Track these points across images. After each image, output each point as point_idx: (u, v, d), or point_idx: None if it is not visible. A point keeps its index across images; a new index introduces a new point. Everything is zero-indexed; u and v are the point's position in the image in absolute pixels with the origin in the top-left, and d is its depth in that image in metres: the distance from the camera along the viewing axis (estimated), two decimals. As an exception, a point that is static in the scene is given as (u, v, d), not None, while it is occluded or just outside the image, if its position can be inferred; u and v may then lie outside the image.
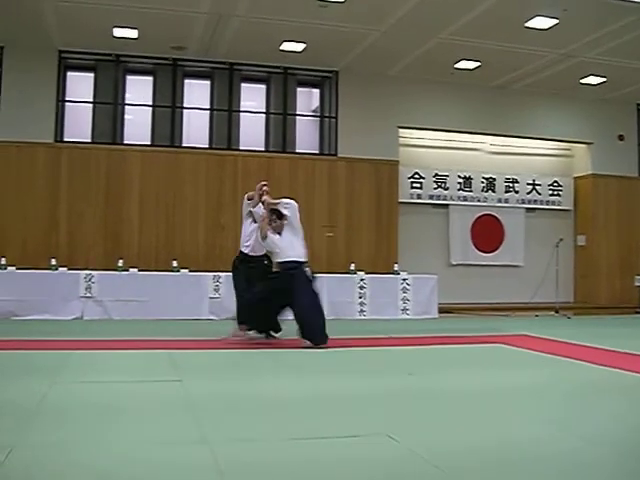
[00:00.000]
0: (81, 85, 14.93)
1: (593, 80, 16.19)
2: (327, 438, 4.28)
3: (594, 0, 11.68)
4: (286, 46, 14.16)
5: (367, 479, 3.57)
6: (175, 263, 13.03)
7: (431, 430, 4.55)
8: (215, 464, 3.71)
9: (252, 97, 15.86)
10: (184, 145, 15.14)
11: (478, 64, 15.04)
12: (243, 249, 9.47)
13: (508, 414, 5.11)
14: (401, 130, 16.24)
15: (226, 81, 15.42)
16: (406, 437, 4.27)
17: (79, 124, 14.74)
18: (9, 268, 12.14)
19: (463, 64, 15.09)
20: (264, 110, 15.83)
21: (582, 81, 16.27)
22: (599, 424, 4.76)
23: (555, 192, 18.10)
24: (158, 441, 4.14)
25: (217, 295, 12.73)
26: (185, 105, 15.30)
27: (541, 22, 12.68)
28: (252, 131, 15.56)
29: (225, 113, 15.41)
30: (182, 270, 12.94)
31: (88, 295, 12.17)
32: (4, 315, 11.53)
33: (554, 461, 3.87)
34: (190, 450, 3.97)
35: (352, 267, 13.74)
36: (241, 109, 15.60)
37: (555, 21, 12.59)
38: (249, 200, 9.49)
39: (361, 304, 13.38)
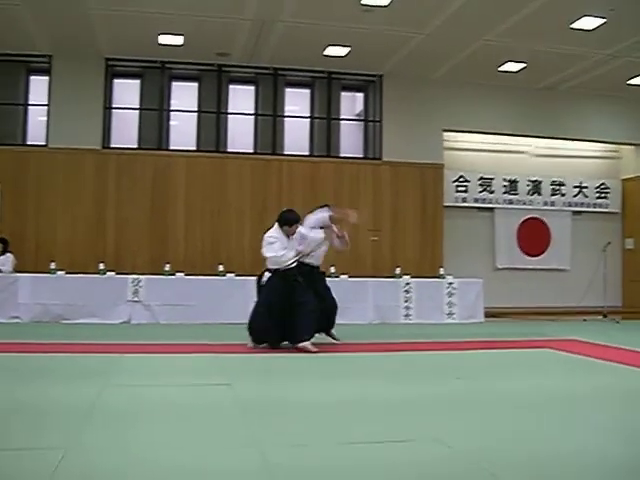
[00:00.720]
0: (127, 92, 15.11)
1: (640, 81, 15.99)
2: (376, 443, 4.28)
3: (641, -1, 11.53)
4: (330, 51, 14.18)
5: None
6: (221, 267, 13.12)
7: (482, 435, 4.52)
8: (266, 468, 3.74)
9: (296, 102, 15.92)
10: (229, 150, 15.22)
11: (523, 66, 14.92)
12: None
13: (565, 422, 5.04)
14: (445, 133, 16.17)
15: (270, 86, 15.50)
16: (457, 442, 4.25)
17: (126, 130, 14.93)
18: (58, 273, 12.34)
19: (508, 66, 14.97)
20: (308, 115, 15.87)
21: (629, 82, 16.05)
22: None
23: (602, 195, 17.87)
24: (208, 444, 4.17)
25: (263, 299, 12.77)
26: (230, 111, 15.39)
27: (587, 22, 12.52)
28: (296, 136, 15.61)
29: (270, 118, 15.49)
30: (228, 274, 13.02)
31: (136, 299, 12.29)
32: (54, 319, 11.73)
33: (619, 473, 3.83)
34: (241, 454, 4.00)
35: (397, 271, 13.70)
36: (285, 114, 15.66)
37: (602, 21, 12.44)
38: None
39: (407, 308, 13.34)
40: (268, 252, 8.83)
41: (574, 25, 12.62)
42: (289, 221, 8.97)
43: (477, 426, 4.80)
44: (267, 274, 8.96)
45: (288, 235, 8.93)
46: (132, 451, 3.99)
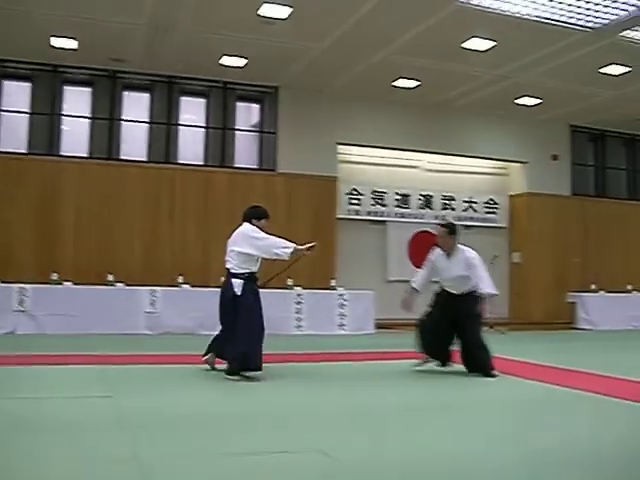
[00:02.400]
0: (18, 95, 14.70)
1: (528, 101, 16.55)
2: (258, 454, 4.29)
3: (530, 24, 11.93)
4: (227, 61, 14.16)
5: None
6: (111, 277, 12.90)
7: (367, 446, 4.58)
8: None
9: (192, 111, 15.80)
10: (122, 158, 14.99)
11: (417, 83, 15.24)
12: None
13: (442, 429, 5.18)
14: (340, 147, 16.35)
15: (166, 94, 15.35)
16: (340, 453, 4.30)
17: (15, 134, 14.51)
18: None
19: (402, 82, 15.27)
20: (204, 124, 15.77)
21: (518, 101, 16.62)
22: (537, 438, 4.85)
23: (491, 210, 18.40)
24: (85, 458, 4.09)
25: (153, 310, 12.64)
26: (124, 118, 15.16)
27: (478, 43, 12.92)
28: (191, 145, 15.51)
29: (164, 126, 15.33)
30: (118, 284, 12.82)
31: (21, 309, 11.97)
32: None
33: (491, 476, 3.95)
34: (120, 466, 3.94)
35: (289, 282, 13.76)
36: (180, 123, 15.53)
37: (492, 43, 12.85)
38: None
39: (298, 319, 13.42)
40: (269, 239, 7.79)
41: (465, 45, 12.98)
42: (263, 214, 8.11)
43: (362, 437, 4.86)
44: (237, 282, 7.75)
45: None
46: (9, 468, 3.89)
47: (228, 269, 7.81)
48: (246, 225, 7.99)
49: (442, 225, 8.46)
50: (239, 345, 7.40)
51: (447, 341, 8.37)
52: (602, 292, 16.83)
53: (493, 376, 7.85)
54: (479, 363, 8.05)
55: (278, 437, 4.75)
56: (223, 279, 7.88)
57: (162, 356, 9.33)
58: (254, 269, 7.96)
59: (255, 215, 8.09)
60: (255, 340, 7.57)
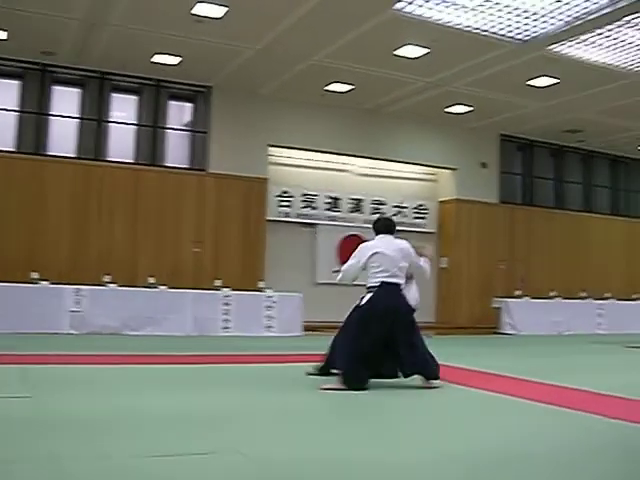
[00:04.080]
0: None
1: (459, 109, 16.81)
2: (176, 455, 4.27)
3: (462, 33, 12.12)
4: (160, 58, 14.02)
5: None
6: (35, 275, 12.67)
7: (281, 446, 4.60)
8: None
9: (123, 108, 15.60)
10: (50, 153, 14.73)
11: (350, 87, 15.34)
12: None
13: (359, 431, 5.23)
14: (271, 148, 16.36)
15: (97, 90, 15.12)
16: (256, 454, 4.31)
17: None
18: None
19: (335, 87, 15.35)
20: (135, 122, 15.59)
21: (449, 109, 16.87)
22: (448, 441, 4.93)
23: (420, 215, 18.63)
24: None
25: (78, 309, 12.45)
26: (53, 112, 14.90)
27: (411, 51, 13.07)
28: (121, 143, 15.30)
29: (94, 123, 15.10)
30: (42, 282, 12.59)
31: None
32: None
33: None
34: (38, 467, 3.88)
35: (218, 283, 13.72)
36: (111, 119, 15.32)
37: (425, 50, 13.01)
38: None
39: (226, 320, 13.38)
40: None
41: (398, 52, 13.12)
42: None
43: (282, 438, 4.87)
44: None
45: None
46: None
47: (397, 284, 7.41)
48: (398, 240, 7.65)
49: None
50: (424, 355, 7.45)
51: None
52: (526, 298, 17.17)
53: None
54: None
55: (197, 439, 4.73)
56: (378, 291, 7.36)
57: (86, 356, 9.20)
58: None
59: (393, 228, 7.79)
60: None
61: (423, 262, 7.76)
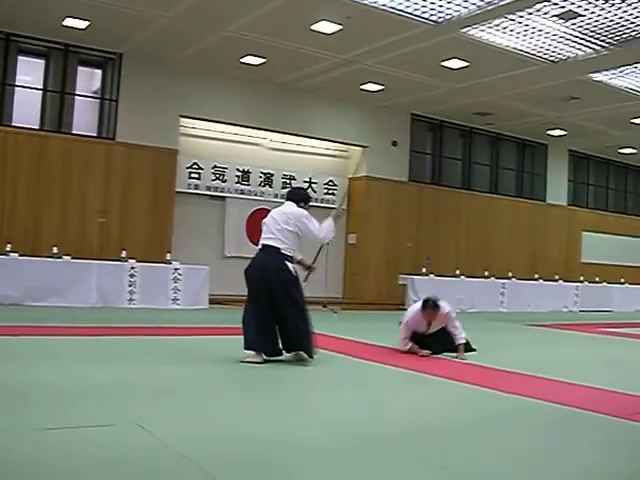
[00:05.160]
0: None
1: (372, 87, 16.89)
2: (74, 427, 4.22)
3: (377, 12, 12.14)
4: (69, 22, 13.60)
5: (116, 468, 3.54)
6: None
7: (185, 421, 4.58)
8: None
9: (29, 72, 15.10)
10: (-50, 116, 14.20)
11: (263, 60, 15.22)
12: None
13: (263, 407, 5.26)
14: (183, 119, 16.13)
15: (1, 52, 14.55)
16: (155, 427, 4.28)
17: None
18: None
19: (249, 59, 15.21)
20: (42, 86, 15.11)
21: (362, 87, 16.93)
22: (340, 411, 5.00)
23: (330, 191, 18.71)
24: None
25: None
26: (-46, 73, 14.33)
27: (326, 26, 13.03)
28: (26, 108, 14.81)
29: (-2, 86, 14.60)
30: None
31: None
32: None
33: (303, 452, 4.04)
34: None
35: (123, 254, 13.52)
36: (16, 83, 14.80)
37: (339, 27, 13.00)
38: None
39: (131, 292, 13.20)
40: (320, 225, 7.56)
41: (313, 27, 13.07)
42: (309, 198, 8.02)
43: (184, 412, 4.87)
44: (290, 265, 7.39)
45: None
46: None
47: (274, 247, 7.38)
48: (290, 206, 7.67)
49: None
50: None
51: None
52: (432, 275, 17.45)
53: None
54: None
55: (97, 411, 4.69)
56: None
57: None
58: None
59: (307, 199, 7.99)
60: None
61: (325, 224, 7.63)
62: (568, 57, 14.02)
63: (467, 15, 12.22)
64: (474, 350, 8.57)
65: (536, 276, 20.09)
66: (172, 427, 4.37)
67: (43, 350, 7.46)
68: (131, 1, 12.38)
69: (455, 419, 5.15)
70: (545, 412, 5.50)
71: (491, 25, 12.65)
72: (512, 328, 13.77)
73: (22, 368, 6.24)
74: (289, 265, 7.33)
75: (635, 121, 18.75)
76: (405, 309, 17.02)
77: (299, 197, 7.83)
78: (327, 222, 7.69)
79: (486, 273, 18.53)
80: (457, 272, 17.99)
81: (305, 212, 7.60)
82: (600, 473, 3.98)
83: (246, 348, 7.20)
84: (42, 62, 15.10)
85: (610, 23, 12.25)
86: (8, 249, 12.74)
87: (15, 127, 14.45)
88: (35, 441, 3.91)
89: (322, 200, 18.40)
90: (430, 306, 8.26)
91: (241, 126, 17.01)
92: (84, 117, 15.38)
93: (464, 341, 8.37)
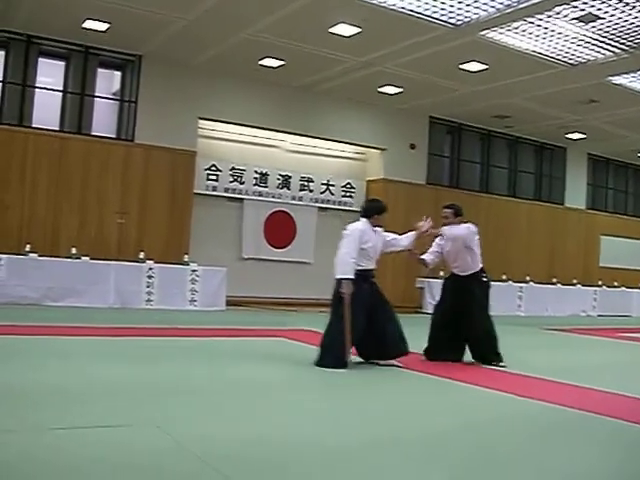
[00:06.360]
0: None
1: (390, 90, 16.87)
2: (91, 428, 4.24)
3: (396, 14, 12.13)
4: (89, 24, 13.67)
5: (131, 469, 3.55)
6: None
7: (202, 422, 4.60)
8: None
9: (50, 73, 15.18)
10: (-31, 118, 14.30)
11: (282, 63, 15.24)
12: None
13: (281, 409, 5.27)
14: (201, 121, 16.17)
15: (22, 53, 14.67)
16: (175, 429, 4.30)
17: None
18: None
19: (268, 61, 15.23)
20: (62, 88, 15.21)
21: (380, 89, 16.91)
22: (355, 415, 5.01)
23: (347, 193, 18.71)
24: None
25: (-4, 277, 12.19)
26: (-25, 75, 14.43)
27: (344, 29, 13.04)
28: (47, 109, 14.90)
29: (19, 87, 14.66)
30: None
31: None
32: None
33: (319, 458, 4.04)
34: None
35: (141, 255, 13.58)
36: (37, 85, 14.90)
37: (357, 29, 13.00)
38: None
39: (149, 293, 13.26)
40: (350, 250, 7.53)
41: (332, 30, 13.08)
42: (372, 209, 7.91)
43: (198, 412, 4.88)
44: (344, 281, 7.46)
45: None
46: None
47: None
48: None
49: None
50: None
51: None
52: (448, 279, 17.37)
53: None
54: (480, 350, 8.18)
55: (114, 411, 4.72)
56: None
57: (2, 326, 9.01)
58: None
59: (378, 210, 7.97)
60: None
61: (346, 258, 7.55)
62: (587, 60, 13.95)
63: (486, 18, 12.18)
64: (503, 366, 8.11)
65: (554, 280, 20.01)
66: (191, 429, 4.38)
67: (59, 350, 7.49)
68: (150, 4, 12.43)
69: (459, 422, 5.14)
70: (557, 415, 5.50)
71: (510, 28, 12.60)
72: (529, 332, 13.73)
73: (38, 368, 6.28)
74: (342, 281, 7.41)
75: (655, 125, 18.66)
76: (422, 312, 17.13)
77: (364, 210, 7.95)
78: (350, 260, 7.50)
79: (504, 277, 18.45)
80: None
81: (354, 228, 7.68)
82: (611, 476, 3.98)
83: None
84: (62, 64, 15.21)
85: (630, 26, 12.16)
86: (27, 249, 12.84)
87: (35, 128, 14.55)
88: (47, 442, 3.93)
89: (339, 202, 18.44)
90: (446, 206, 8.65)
91: (259, 128, 17.03)
92: (103, 119, 15.46)
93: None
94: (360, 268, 7.50)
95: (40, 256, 12.77)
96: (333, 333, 7.44)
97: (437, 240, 8.57)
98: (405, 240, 8.15)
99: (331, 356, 7.33)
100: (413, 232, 8.14)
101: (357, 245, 7.49)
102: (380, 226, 7.87)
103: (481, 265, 8.53)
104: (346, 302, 7.33)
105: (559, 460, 4.17)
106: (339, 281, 7.44)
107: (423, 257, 8.57)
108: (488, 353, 8.13)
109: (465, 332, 8.21)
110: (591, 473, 4.02)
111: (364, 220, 7.76)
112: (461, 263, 8.44)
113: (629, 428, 5.16)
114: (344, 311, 7.32)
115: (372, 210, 7.85)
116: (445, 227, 8.38)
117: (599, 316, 19.72)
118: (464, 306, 8.22)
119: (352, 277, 7.37)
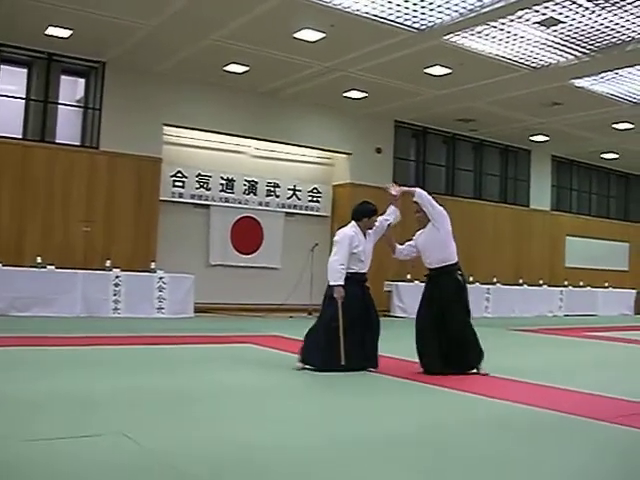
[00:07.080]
0: None
1: (355, 94, 16.92)
2: (58, 439, 4.20)
3: (360, 19, 12.16)
4: (52, 31, 13.54)
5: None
6: None
7: (168, 429, 4.57)
8: None
9: (12, 81, 15.02)
10: None
11: (247, 69, 15.22)
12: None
13: (253, 413, 5.25)
14: (166, 128, 16.09)
15: (-17, 61, 14.52)
16: (143, 436, 4.28)
17: None
18: None
19: (233, 67, 15.20)
20: (24, 95, 15.05)
21: (345, 94, 16.96)
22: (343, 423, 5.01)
23: (314, 198, 18.73)
24: None
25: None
26: None
27: (309, 34, 13.05)
28: (9, 117, 14.74)
29: (-20, 95, 14.52)
30: None
31: None
32: None
33: (290, 461, 4.04)
34: None
35: (108, 263, 13.49)
36: (-1, 93, 14.74)
37: (322, 35, 13.02)
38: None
39: (116, 302, 13.18)
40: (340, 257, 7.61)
41: (297, 35, 13.08)
42: (362, 211, 7.91)
43: (164, 420, 4.85)
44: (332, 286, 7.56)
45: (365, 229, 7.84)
46: None
47: None
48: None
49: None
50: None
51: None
52: (417, 282, 17.45)
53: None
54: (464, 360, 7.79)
55: (81, 421, 4.68)
56: None
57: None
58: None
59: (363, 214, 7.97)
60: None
61: (337, 267, 7.59)
62: (550, 63, 14.11)
63: (449, 22, 12.26)
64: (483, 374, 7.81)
65: (520, 281, 20.20)
66: (158, 437, 4.36)
67: (27, 360, 7.42)
68: (114, 10, 12.35)
69: (433, 425, 5.17)
70: (527, 416, 5.54)
71: (473, 32, 12.71)
72: (497, 333, 13.80)
73: (7, 379, 6.21)
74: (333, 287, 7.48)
75: (616, 126, 18.88)
76: (390, 316, 17.21)
77: (353, 214, 7.97)
78: (339, 267, 7.55)
79: (470, 278, 18.52)
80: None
81: (344, 233, 7.73)
82: (587, 477, 4.01)
83: None
84: (25, 71, 15.04)
85: (591, 30, 12.33)
86: (-9, 259, 12.71)
87: (-3, 137, 14.39)
88: (16, 452, 3.89)
89: (306, 207, 18.47)
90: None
91: (225, 134, 16.99)
92: (67, 126, 15.32)
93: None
94: (351, 271, 7.63)
95: (4, 265, 12.64)
96: (318, 334, 7.51)
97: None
98: (387, 217, 8.22)
99: (319, 357, 7.40)
100: (390, 206, 8.20)
101: (346, 251, 7.56)
102: (371, 228, 7.90)
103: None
104: (339, 306, 7.41)
105: (529, 461, 4.20)
106: (330, 287, 7.52)
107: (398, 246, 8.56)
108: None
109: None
110: (561, 474, 4.05)
111: (353, 223, 7.83)
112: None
113: (605, 428, 5.20)
114: (337, 315, 7.38)
115: (360, 213, 7.89)
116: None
117: (566, 316, 19.94)
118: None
119: (342, 284, 7.45)
